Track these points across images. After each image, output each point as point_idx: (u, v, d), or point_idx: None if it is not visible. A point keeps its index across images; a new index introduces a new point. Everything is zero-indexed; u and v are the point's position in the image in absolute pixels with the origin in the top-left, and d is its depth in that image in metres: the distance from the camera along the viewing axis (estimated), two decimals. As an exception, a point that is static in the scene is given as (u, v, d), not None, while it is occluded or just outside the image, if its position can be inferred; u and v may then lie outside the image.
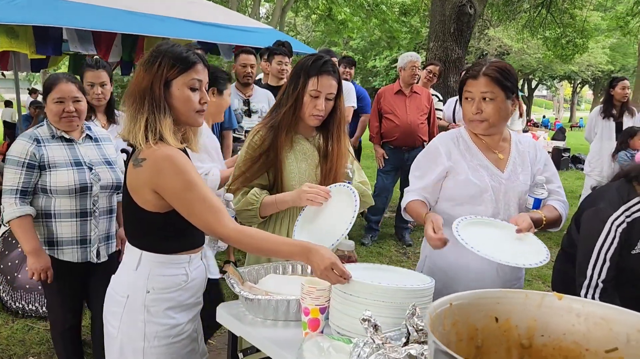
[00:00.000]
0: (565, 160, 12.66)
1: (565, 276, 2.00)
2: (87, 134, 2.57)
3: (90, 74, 3.07)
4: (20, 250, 3.47)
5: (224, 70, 2.89)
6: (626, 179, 2.03)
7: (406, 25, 18.30)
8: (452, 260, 2.01)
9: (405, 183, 5.57)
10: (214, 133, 4.04)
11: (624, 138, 5.44)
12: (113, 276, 1.86)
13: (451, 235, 1.83)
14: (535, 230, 2.00)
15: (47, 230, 2.47)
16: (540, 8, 14.41)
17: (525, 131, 9.39)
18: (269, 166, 2.17)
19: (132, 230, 1.82)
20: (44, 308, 3.53)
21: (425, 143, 5.41)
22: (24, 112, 10.64)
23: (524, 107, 6.60)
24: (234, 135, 4.26)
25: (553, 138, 15.49)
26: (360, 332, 1.51)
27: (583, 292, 1.98)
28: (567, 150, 13.17)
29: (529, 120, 23.99)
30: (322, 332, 1.63)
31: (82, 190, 2.45)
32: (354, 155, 2.31)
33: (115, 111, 3.20)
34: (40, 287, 3.41)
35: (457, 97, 6.34)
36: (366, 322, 1.31)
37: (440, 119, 5.92)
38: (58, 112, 2.46)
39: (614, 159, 5.58)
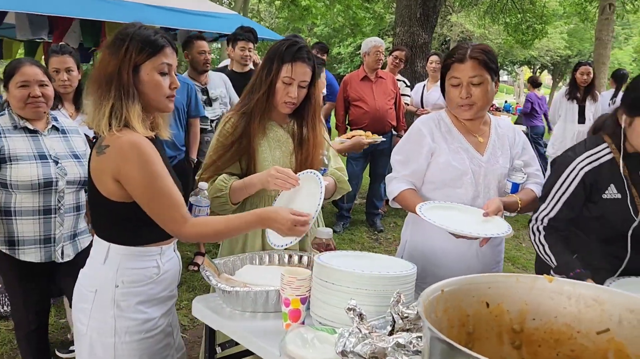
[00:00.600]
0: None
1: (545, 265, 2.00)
2: (53, 125, 2.42)
3: (55, 60, 2.91)
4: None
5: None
6: (594, 133, 2.00)
7: (370, 11, 18.28)
8: (433, 244, 2.00)
9: (375, 169, 5.63)
10: (182, 123, 3.94)
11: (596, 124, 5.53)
12: (81, 270, 1.79)
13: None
14: (509, 214, 2.01)
15: (6, 229, 2.32)
16: (501, -6, 14.61)
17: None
18: (242, 154, 2.11)
19: (98, 221, 1.76)
20: (5, 307, 3.38)
21: (394, 128, 5.42)
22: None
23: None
24: (200, 126, 4.14)
25: (516, 123, 15.80)
26: (343, 321, 1.48)
27: (531, 224, 1.98)
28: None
29: (491, 105, 24.47)
30: (303, 323, 1.60)
31: (47, 186, 2.30)
32: (329, 141, 2.27)
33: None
34: (1, 285, 3.26)
35: (425, 82, 6.41)
36: (351, 311, 1.28)
37: (408, 105, 5.94)
38: (22, 97, 2.29)
39: None
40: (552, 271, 1.89)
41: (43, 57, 6.58)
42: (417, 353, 1.18)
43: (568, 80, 6.13)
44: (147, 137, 1.64)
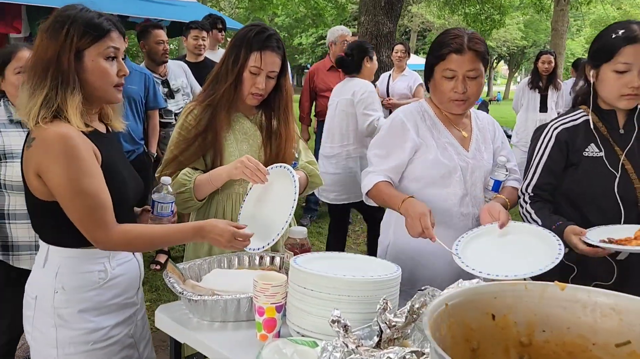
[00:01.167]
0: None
1: None
2: None
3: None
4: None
5: None
6: (572, 105, 1.98)
7: (332, 1, 18.11)
8: (418, 245, 1.84)
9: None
10: (140, 115, 3.71)
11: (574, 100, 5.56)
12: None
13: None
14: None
15: None
16: (461, -16, 14.73)
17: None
18: (206, 149, 1.95)
19: (34, 221, 1.60)
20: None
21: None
22: None
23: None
24: (163, 120, 3.92)
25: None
26: (324, 331, 1.35)
27: (519, 199, 1.94)
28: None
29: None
30: (279, 332, 1.46)
31: None
32: (299, 134, 2.13)
33: None
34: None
35: (390, 71, 6.31)
36: (336, 324, 1.15)
37: (374, 94, 5.84)
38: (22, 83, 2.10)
39: None
40: None
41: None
42: (411, 369, 1.06)
43: (524, 71, 6.19)
44: (85, 132, 1.49)
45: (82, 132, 1.49)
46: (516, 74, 37.69)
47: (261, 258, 1.90)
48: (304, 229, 1.79)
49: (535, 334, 0.95)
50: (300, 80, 26.93)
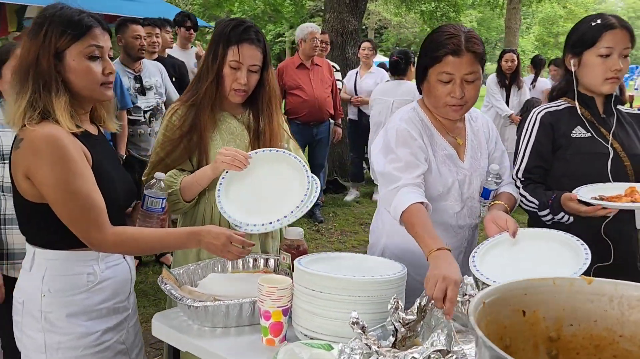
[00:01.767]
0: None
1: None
2: None
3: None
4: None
5: None
6: (550, 100, 2.05)
7: (290, -3, 18.03)
8: (413, 247, 1.65)
9: (313, 159, 5.48)
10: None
11: (526, 107, 5.70)
12: None
13: None
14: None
15: None
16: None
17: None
18: (192, 150, 1.90)
19: (21, 223, 1.57)
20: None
21: (331, 117, 5.32)
22: None
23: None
24: (131, 117, 3.80)
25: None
26: (334, 333, 1.35)
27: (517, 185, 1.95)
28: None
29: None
30: (285, 336, 1.44)
31: None
32: (289, 133, 2.10)
33: None
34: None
35: (357, 69, 6.34)
36: (355, 325, 1.14)
37: (340, 90, 5.85)
38: None
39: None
40: (540, 215, 1.87)
41: None
42: (436, 368, 1.07)
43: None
44: (74, 133, 1.46)
45: (72, 133, 1.45)
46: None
47: (255, 260, 1.87)
48: (300, 229, 1.77)
49: (563, 328, 0.96)
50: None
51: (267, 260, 1.87)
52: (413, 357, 1.06)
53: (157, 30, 4.16)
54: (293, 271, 1.60)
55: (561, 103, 1.95)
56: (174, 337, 1.54)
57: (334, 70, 5.81)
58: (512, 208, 1.84)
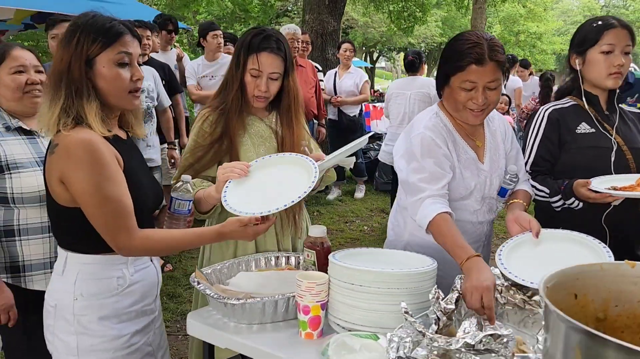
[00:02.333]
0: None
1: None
2: None
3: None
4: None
5: None
6: (556, 99, 2.17)
7: (258, -3, 17.98)
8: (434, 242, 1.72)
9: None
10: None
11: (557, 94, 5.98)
12: None
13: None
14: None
15: (7, 253, 1.89)
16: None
17: (372, 101, 9.86)
18: (222, 155, 1.92)
19: (54, 228, 1.60)
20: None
21: (315, 118, 5.37)
22: None
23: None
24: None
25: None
26: (375, 324, 1.42)
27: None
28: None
29: (375, 91, 25.45)
30: (322, 330, 1.50)
31: None
32: (310, 133, 2.15)
33: None
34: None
35: (336, 69, 6.39)
36: (407, 314, 1.21)
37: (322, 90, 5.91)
38: (19, 84, 1.90)
39: None
40: (551, 201, 1.98)
41: None
42: (488, 352, 1.15)
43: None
44: (106, 137, 1.49)
45: (104, 137, 1.48)
46: (434, 70, 39.23)
47: (277, 258, 1.92)
48: (324, 227, 1.81)
49: (609, 309, 1.05)
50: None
51: (288, 258, 1.92)
52: (465, 342, 1.14)
53: (149, 33, 4.13)
54: (317, 267, 1.66)
55: (567, 101, 2.08)
56: (212, 334, 1.58)
57: (317, 70, 5.87)
58: (528, 204, 1.93)
